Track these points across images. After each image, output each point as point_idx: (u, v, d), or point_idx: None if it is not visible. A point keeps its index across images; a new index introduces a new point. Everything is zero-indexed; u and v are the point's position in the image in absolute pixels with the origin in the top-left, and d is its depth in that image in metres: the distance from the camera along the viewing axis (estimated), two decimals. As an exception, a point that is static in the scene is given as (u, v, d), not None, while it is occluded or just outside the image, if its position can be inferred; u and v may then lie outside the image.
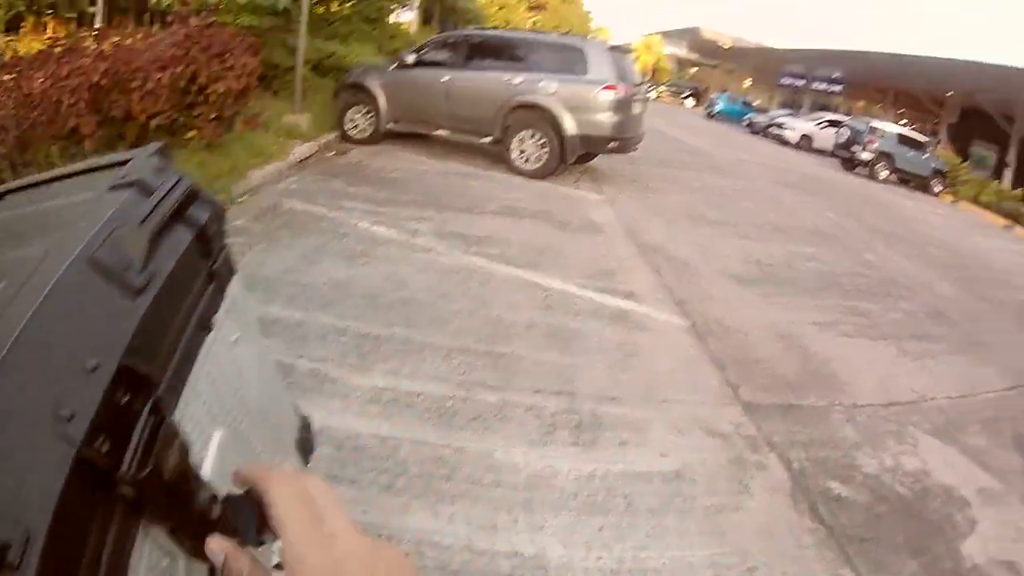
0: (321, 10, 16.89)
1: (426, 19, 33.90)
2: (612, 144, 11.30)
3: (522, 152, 11.12)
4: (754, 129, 37.65)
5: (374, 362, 4.36)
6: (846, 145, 27.31)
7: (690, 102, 59.30)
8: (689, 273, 7.64)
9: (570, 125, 10.87)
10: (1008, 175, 34.20)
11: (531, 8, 72.34)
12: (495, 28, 21.14)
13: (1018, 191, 28.90)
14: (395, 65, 11.91)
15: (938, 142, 38.36)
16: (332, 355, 4.34)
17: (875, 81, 44.11)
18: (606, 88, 10.90)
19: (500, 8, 64.91)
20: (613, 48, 12.03)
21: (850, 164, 27.09)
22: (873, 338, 7.16)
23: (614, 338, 5.48)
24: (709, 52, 65.27)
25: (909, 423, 5.42)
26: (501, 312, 5.49)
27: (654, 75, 70.49)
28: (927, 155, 27.88)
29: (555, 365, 4.80)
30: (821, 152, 31.33)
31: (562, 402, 4.35)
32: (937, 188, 27.60)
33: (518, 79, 11.10)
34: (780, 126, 34.67)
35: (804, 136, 33.46)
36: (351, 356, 4.38)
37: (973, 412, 6.18)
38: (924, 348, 7.35)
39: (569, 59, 11.17)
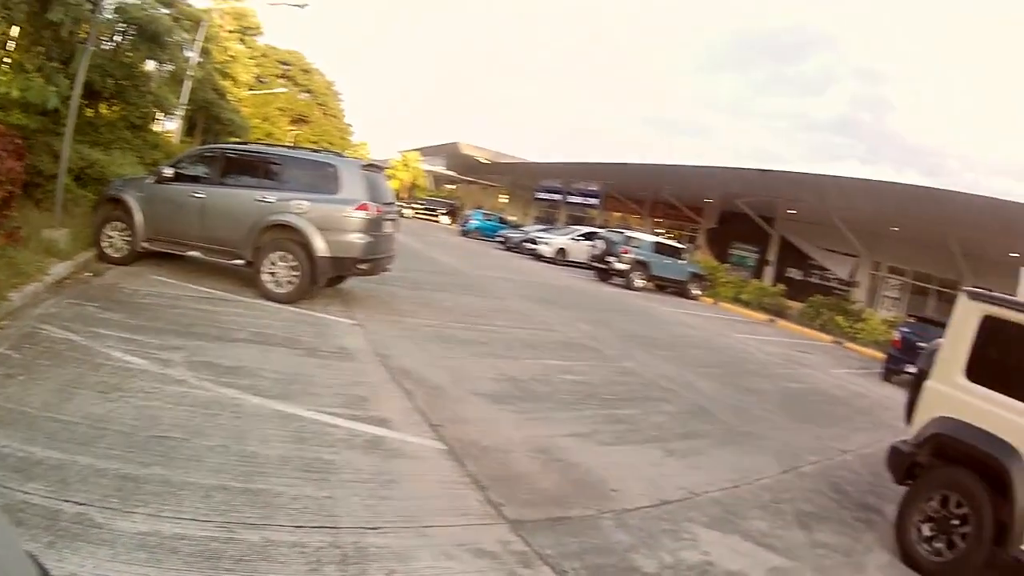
0: (91, 113, 16.41)
1: (190, 129, 33.53)
2: (363, 266, 11.49)
3: (273, 275, 11.06)
4: (509, 245, 39.07)
5: (136, 505, 4.23)
6: (601, 256, 29.01)
7: (446, 219, 61.19)
8: (442, 396, 7.81)
9: (321, 246, 10.93)
10: (769, 273, 37.91)
11: (293, 121, 73.15)
12: (256, 141, 21.08)
13: (779, 287, 32.08)
14: (153, 179, 11.75)
15: (696, 247, 41.95)
16: (95, 498, 4.18)
17: (632, 192, 47.70)
18: (358, 208, 11.12)
19: (263, 120, 65.24)
20: (367, 166, 12.39)
21: (606, 275, 28.77)
22: (636, 443, 7.62)
23: (371, 467, 5.52)
24: (467, 168, 67.72)
25: (684, 519, 5.77)
26: (256, 447, 5.44)
27: (411, 192, 72.35)
28: (684, 261, 30.39)
29: (314, 499, 4.78)
30: (577, 265, 33.10)
31: (325, 537, 4.34)
32: (696, 292, 30.04)
33: (271, 197, 11.15)
34: (535, 241, 36.20)
35: (559, 250, 35.13)
36: (113, 499, 4.23)
37: (750, 499, 6.68)
38: (690, 446, 7.92)
39: (322, 177, 11.35)
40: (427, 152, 74.79)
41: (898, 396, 15.35)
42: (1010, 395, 5.93)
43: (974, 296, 6.53)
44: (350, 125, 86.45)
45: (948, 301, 30.94)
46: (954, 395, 6.30)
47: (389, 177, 67.81)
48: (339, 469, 5.36)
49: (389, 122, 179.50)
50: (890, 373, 18.68)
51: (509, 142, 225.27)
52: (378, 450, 5.91)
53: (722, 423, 9.33)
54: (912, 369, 17.56)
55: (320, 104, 78.70)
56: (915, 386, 6.92)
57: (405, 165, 74.00)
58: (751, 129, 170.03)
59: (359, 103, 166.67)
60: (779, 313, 29.54)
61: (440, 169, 75.30)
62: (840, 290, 34.97)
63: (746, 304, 30.42)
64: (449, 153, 69.95)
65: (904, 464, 6.54)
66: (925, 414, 6.46)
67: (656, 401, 9.74)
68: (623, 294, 25.65)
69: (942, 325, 18.80)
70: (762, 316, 28.47)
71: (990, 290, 6.72)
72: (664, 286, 29.68)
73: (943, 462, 6.23)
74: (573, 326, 14.93)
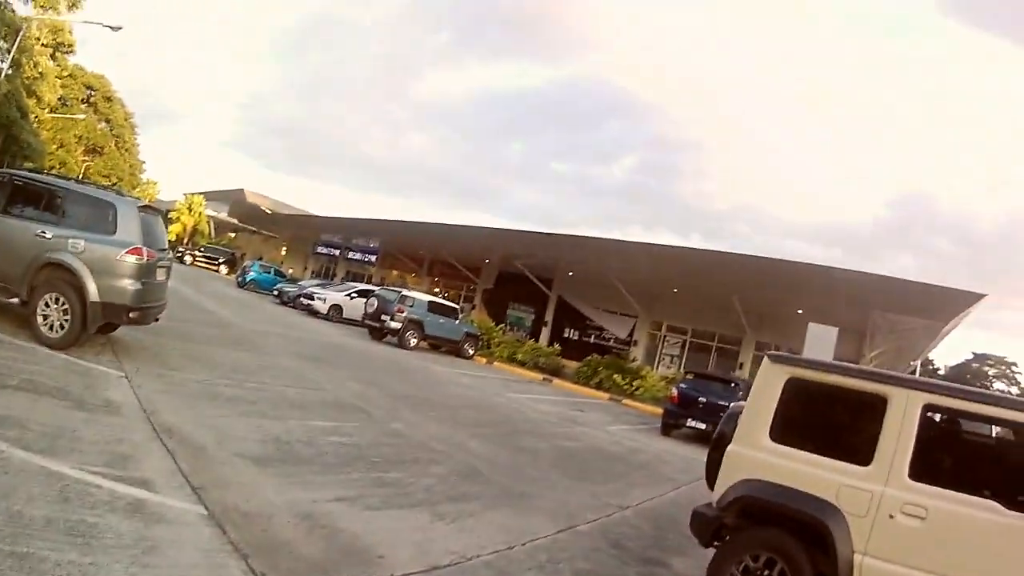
0: None
1: (-12, 148, 31.41)
2: (134, 314, 11.06)
3: (46, 318, 10.49)
4: (284, 299, 38.93)
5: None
6: (375, 315, 28.99)
7: (224, 269, 60.01)
8: (205, 457, 7.57)
9: (93, 290, 10.46)
10: (546, 333, 39.04)
11: (88, 151, 69.14)
12: (50, 171, 19.89)
13: (555, 347, 33.11)
14: None
15: (473, 307, 42.72)
16: None
17: (411, 250, 48.26)
18: (131, 252, 10.76)
19: (59, 147, 61.35)
20: (145, 207, 11.90)
21: (380, 333, 28.85)
22: (405, 507, 7.59)
23: (132, 532, 5.27)
24: (250, 216, 66.33)
25: (455, 583, 5.77)
26: (22, 505, 5.13)
27: (192, 238, 70.12)
28: (459, 320, 30.95)
29: (78, 565, 4.53)
30: (352, 322, 33.06)
31: (88, 607, 4.05)
32: (471, 351, 30.65)
33: (50, 233, 10.59)
34: (311, 296, 36.01)
35: (334, 306, 35.02)
36: None
37: (525, 560, 6.78)
38: (461, 508, 7.93)
39: (100, 215, 10.91)
40: (212, 197, 72.66)
41: (677, 450, 16.21)
42: (818, 453, 6.27)
43: (777, 359, 6.79)
44: (143, 162, 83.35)
45: (730, 357, 33.27)
46: (759, 457, 6.47)
47: (173, 220, 65.91)
48: (101, 533, 5.10)
49: (184, 161, 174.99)
50: (669, 428, 19.74)
51: (300, 194, 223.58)
52: (140, 513, 5.66)
53: (495, 484, 9.43)
54: (692, 423, 18.80)
55: (116, 136, 75.17)
56: (716, 450, 7.04)
57: (189, 209, 71.88)
58: (539, 193, 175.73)
59: (157, 138, 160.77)
60: (555, 372, 30.50)
61: (224, 216, 73.53)
62: (618, 349, 36.52)
63: (522, 364, 31.23)
64: (234, 200, 68.35)
65: (710, 527, 6.69)
66: (729, 478, 6.58)
67: (425, 463, 9.75)
68: (396, 353, 25.72)
69: (719, 380, 20.28)
70: (538, 376, 29.31)
71: (779, 348, 7.20)
72: (438, 346, 30.07)
73: (752, 523, 6.45)
74: (343, 386, 14.81)
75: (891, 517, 5.76)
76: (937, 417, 6.35)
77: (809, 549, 6.03)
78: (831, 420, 6.96)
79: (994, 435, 7.58)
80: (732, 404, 7.87)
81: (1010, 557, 5.39)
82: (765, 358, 6.95)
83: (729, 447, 6.74)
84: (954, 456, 6.60)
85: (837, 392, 6.51)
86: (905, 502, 5.73)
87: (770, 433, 6.51)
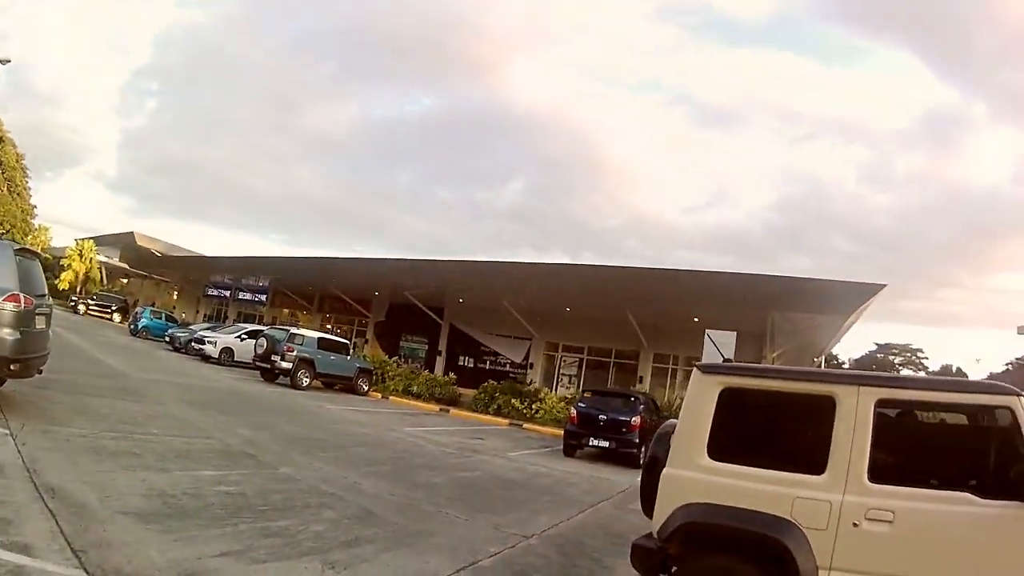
0: None
1: None
2: (14, 366, 10.58)
3: None
4: (176, 345, 38.24)
5: None
6: (266, 355, 28.39)
7: (117, 317, 58.36)
8: (88, 516, 7.27)
9: None
10: (441, 362, 38.96)
11: None
12: None
13: (450, 376, 33.06)
14: None
15: (365, 342, 42.41)
16: None
17: (300, 287, 47.77)
18: (8, 298, 10.31)
19: None
20: (21, 251, 11.42)
21: (272, 374, 28.34)
22: (293, 557, 7.33)
23: None
24: (141, 261, 64.24)
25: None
26: None
27: (85, 285, 67.60)
28: (351, 356, 30.67)
29: None
30: (244, 365, 32.41)
31: None
32: (365, 387, 30.38)
33: None
34: (201, 341, 35.39)
35: (225, 349, 34.33)
36: None
37: (422, 604, 6.64)
38: (354, 554, 7.67)
39: None
40: (103, 242, 69.88)
41: (582, 471, 16.33)
42: (764, 467, 5.85)
43: (708, 369, 6.39)
44: (35, 206, 79.76)
45: (629, 371, 33.76)
46: (699, 478, 6.02)
47: (65, 268, 63.91)
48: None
49: (82, 205, 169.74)
50: (571, 448, 19.84)
51: (193, 237, 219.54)
52: (19, 581, 5.27)
53: (390, 525, 9.18)
54: (595, 442, 18.90)
55: (8, 179, 71.63)
56: (650, 475, 6.50)
57: (80, 255, 69.41)
58: (428, 221, 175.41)
59: (47, 181, 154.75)
60: (452, 402, 30.45)
61: (115, 261, 71.29)
62: (515, 373, 36.63)
63: (417, 396, 31.12)
64: (125, 244, 65.85)
65: (655, 560, 6.12)
66: (668, 504, 6.08)
67: (316, 508, 9.49)
68: (289, 394, 25.33)
69: (618, 395, 20.56)
70: (435, 407, 29.21)
71: (678, 357, 7.06)
72: (332, 383, 29.68)
73: (701, 551, 5.93)
74: (232, 432, 14.43)
75: (855, 526, 5.41)
76: (891, 412, 5.93)
77: (768, 572, 5.57)
78: (775, 429, 6.49)
79: (950, 422, 7.47)
80: (664, 422, 7.23)
81: (990, 547, 5.16)
82: (695, 369, 6.55)
83: (664, 471, 6.26)
84: (915, 451, 6.16)
85: (778, 398, 6.18)
86: (869, 507, 5.42)
87: (708, 451, 6.08)
